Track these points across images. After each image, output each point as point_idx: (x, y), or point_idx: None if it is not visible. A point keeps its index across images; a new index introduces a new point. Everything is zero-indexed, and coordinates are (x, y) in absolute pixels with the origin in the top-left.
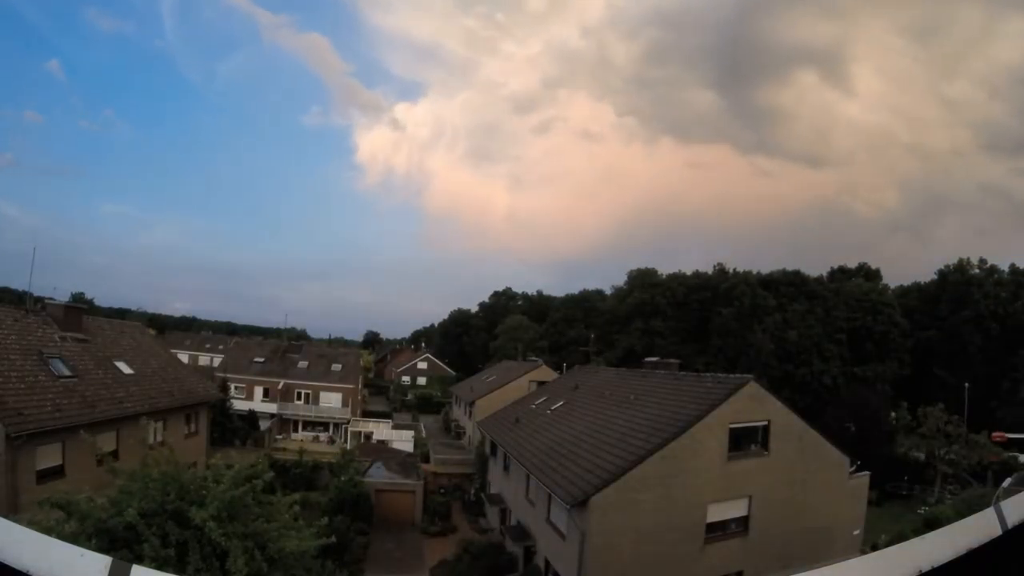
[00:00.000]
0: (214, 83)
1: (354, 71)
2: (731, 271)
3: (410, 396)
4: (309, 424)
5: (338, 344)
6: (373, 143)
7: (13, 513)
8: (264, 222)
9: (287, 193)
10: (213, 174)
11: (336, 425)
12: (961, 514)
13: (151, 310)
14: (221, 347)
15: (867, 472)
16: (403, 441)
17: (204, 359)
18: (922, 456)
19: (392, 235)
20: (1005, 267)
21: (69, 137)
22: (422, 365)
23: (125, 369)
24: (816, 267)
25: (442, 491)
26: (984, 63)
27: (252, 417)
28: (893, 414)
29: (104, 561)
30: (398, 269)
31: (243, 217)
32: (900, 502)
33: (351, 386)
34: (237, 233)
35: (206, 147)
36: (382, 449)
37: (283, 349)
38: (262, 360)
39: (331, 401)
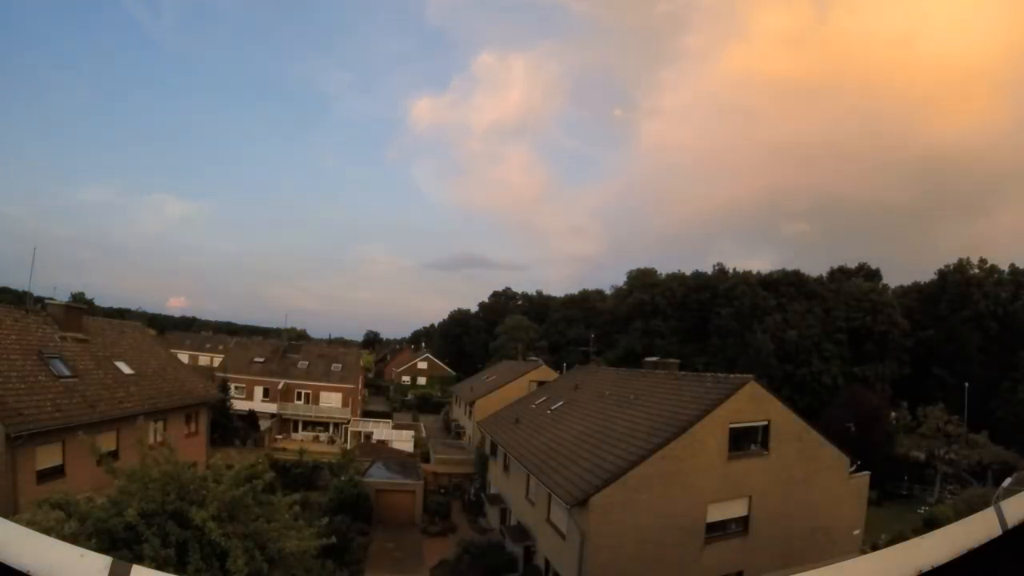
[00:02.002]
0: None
1: (384, 23)
2: (731, 271)
3: (410, 396)
4: (309, 424)
5: (338, 344)
6: (404, 117)
7: (13, 513)
8: (262, 210)
9: (288, 176)
10: (202, 152)
11: (336, 425)
12: (961, 514)
13: (151, 310)
14: (221, 347)
15: (867, 472)
16: (403, 441)
17: (204, 359)
18: (922, 456)
19: (407, 229)
20: (1005, 267)
21: (32, 111)
22: (422, 365)
23: (125, 369)
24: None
25: (442, 491)
26: None
27: (252, 417)
28: (893, 414)
29: (104, 561)
30: (409, 266)
31: (237, 204)
32: (900, 502)
33: (351, 386)
34: (231, 224)
35: (191, 119)
36: (382, 449)
37: (283, 349)
38: (262, 360)
39: (331, 401)
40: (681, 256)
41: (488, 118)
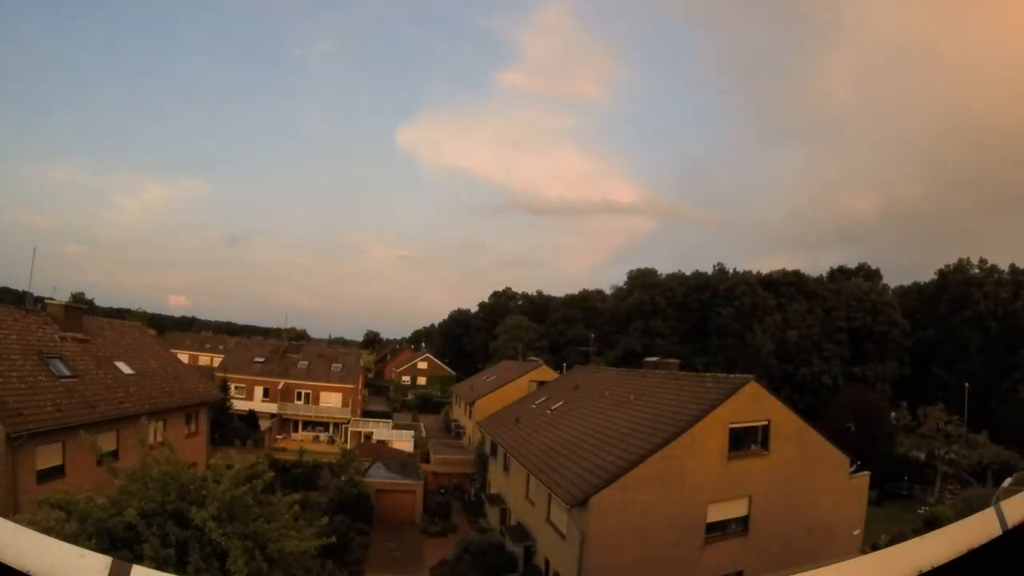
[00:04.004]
0: None
1: None
2: (731, 271)
3: (410, 396)
4: (309, 424)
5: (338, 344)
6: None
7: (13, 513)
8: (253, 197)
9: (276, 159)
10: (175, 126)
11: (336, 425)
12: (961, 514)
13: (151, 310)
14: (221, 347)
15: (867, 472)
16: (403, 441)
17: (204, 359)
18: (922, 456)
19: (411, 221)
20: (1005, 267)
21: None
22: (422, 365)
23: (125, 369)
24: None
25: (442, 491)
26: None
27: (252, 417)
28: (893, 414)
29: (104, 561)
30: (413, 259)
31: (226, 189)
32: (900, 502)
33: (351, 386)
34: (223, 212)
35: (162, 91)
36: (382, 449)
37: (283, 349)
38: (262, 360)
39: (331, 401)
40: (731, 255)
41: (513, 87)
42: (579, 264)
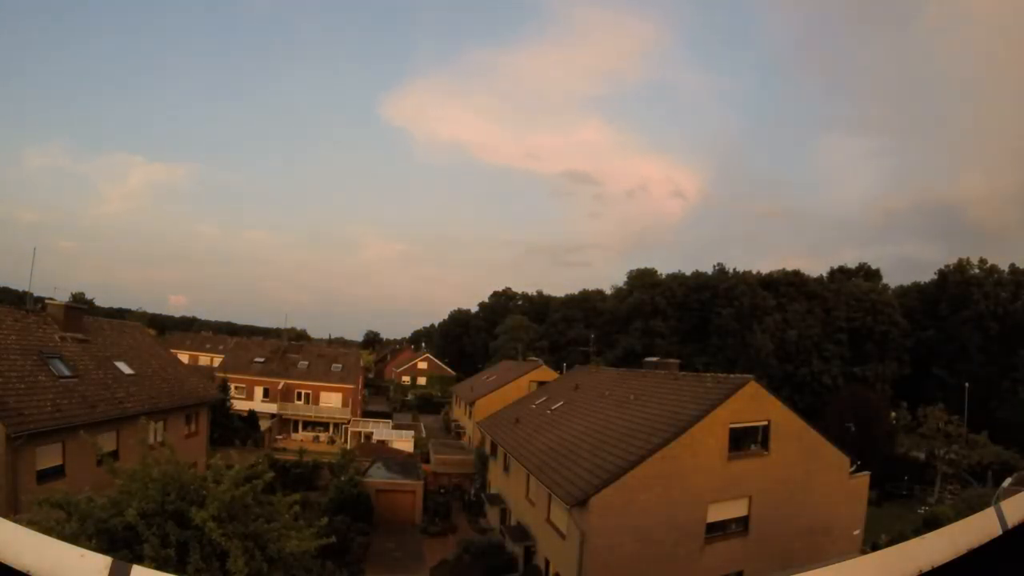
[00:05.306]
0: None
1: None
2: (731, 271)
3: (410, 396)
4: (309, 424)
5: (338, 344)
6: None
7: (13, 513)
8: (249, 188)
9: (271, 147)
10: (160, 101)
11: (336, 425)
12: (961, 514)
13: (151, 309)
14: (221, 347)
15: (867, 472)
16: (403, 441)
17: (204, 359)
18: (922, 456)
19: (413, 216)
20: (1005, 267)
21: None
22: (422, 365)
23: (125, 369)
24: None
25: (442, 491)
26: None
27: (252, 417)
28: (893, 414)
29: (104, 561)
30: (417, 255)
31: (219, 176)
32: (900, 502)
33: (351, 386)
34: (218, 202)
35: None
36: (382, 449)
37: (283, 349)
38: (262, 360)
39: (331, 401)
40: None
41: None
42: (595, 260)
